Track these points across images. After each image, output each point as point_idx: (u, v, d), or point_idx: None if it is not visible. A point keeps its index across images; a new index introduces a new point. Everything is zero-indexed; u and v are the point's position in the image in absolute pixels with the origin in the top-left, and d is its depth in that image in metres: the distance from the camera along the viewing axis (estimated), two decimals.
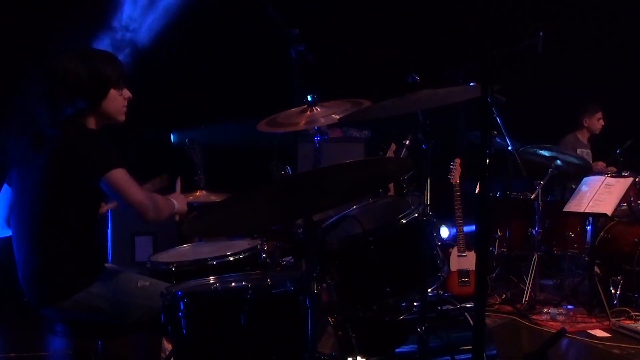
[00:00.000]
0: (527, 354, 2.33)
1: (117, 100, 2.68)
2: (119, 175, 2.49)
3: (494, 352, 2.74)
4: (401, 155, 3.08)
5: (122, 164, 2.53)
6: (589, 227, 5.07)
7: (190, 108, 6.12)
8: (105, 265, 2.73)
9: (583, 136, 6.36)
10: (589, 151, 6.31)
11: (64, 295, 2.55)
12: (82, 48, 2.70)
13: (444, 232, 5.63)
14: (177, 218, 2.83)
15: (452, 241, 5.19)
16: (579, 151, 6.09)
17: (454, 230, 5.11)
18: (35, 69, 2.69)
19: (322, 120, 3.16)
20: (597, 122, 6.33)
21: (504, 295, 5.24)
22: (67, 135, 2.55)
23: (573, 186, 5.40)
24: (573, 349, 4.18)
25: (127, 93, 2.71)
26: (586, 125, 6.34)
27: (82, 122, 2.61)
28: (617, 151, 5.61)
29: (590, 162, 5.88)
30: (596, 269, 4.92)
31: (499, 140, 5.14)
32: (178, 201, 2.80)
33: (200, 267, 2.90)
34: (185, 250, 3.27)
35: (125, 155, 2.64)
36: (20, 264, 2.64)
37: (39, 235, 2.56)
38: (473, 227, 5.05)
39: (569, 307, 5.01)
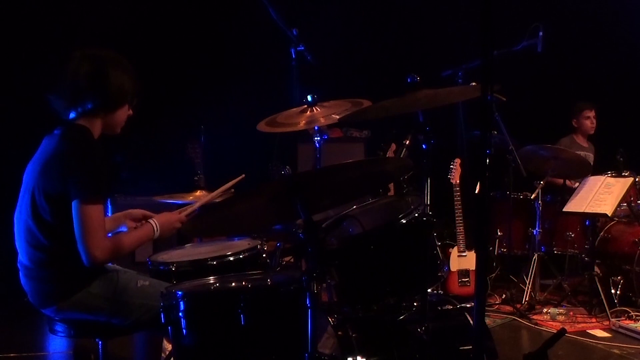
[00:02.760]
0: (527, 354, 2.32)
1: (124, 115, 2.69)
2: (91, 212, 2.43)
3: (494, 352, 2.74)
4: (401, 155, 3.07)
5: (103, 198, 2.49)
6: (589, 227, 5.07)
7: (189, 107, 6.13)
8: (105, 265, 2.73)
9: (580, 139, 6.20)
10: (590, 154, 6.18)
11: (64, 296, 2.55)
12: (107, 50, 2.67)
13: None
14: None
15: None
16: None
17: None
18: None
19: (322, 120, 3.17)
20: (585, 121, 6.11)
21: (504, 295, 5.24)
22: (68, 139, 2.55)
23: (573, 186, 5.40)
24: (573, 349, 4.18)
25: (130, 110, 2.71)
26: (576, 126, 6.17)
27: (87, 128, 2.59)
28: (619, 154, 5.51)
29: (591, 163, 5.83)
30: (596, 269, 4.93)
31: (499, 140, 5.14)
32: (163, 225, 2.70)
33: (200, 267, 2.90)
34: (185, 250, 3.27)
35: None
36: (20, 263, 2.65)
37: (38, 234, 2.55)
38: None
39: (569, 307, 5.01)
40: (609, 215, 4.74)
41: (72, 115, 2.61)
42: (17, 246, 2.66)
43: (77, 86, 2.57)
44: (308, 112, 3.22)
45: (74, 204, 2.44)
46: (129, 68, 2.67)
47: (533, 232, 5.29)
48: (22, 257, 2.64)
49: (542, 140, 5.36)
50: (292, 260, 3.97)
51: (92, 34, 5.41)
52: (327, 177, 2.32)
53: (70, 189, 2.46)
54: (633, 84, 6.44)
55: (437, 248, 2.83)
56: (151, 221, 2.71)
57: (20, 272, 2.66)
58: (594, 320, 4.74)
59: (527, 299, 5.06)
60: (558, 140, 6.17)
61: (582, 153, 6.04)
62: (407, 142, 3.10)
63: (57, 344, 4.21)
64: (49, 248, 2.55)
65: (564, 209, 5.01)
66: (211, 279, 2.62)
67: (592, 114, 6.13)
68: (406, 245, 2.69)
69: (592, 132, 6.19)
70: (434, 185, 2.60)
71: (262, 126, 3.24)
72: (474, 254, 3.70)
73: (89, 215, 2.44)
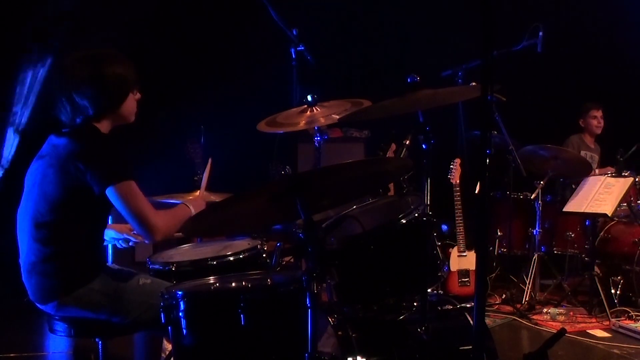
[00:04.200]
0: (527, 354, 2.32)
1: (132, 103, 2.69)
2: (127, 188, 2.48)
3: (494, 352, 2.74)
4: (401, 155, 3.07)
5: (133, 176, 2.52)
6: (589, 227, 5.07)
7: (189, 107, 6.12)
8: (108, 265, 2.74)
9: (587, 139, 6.18)
10: (595, 155, 6.15)
11: (66, 291, 2.56)
12: (95, 50, 2.68)
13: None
14: None
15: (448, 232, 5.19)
16: (582, 153, 6.01)
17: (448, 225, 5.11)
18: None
19: (322, 120, 3.16)
20: (592, 121, 6.09)
21: (504, 295, 5.24)
22: (80, 138, 2.56)
23: (573, 186, 5.40)
24: (573, 349, 4.19)
25: (138, 94, 2.72)
26: (583, 125, 6.15)
27: (96, 126, 2.61)
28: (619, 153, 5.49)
29: (593, 165, 5.81)
30: (596, 269, 4.93)
31: (499, 140, 5.14)
32: (196, 205, 2.76)
33: (200, 267, 2.90)
34: (185, 250, 3.27)
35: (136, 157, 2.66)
36: (22, 259, 2.65)
37: (42, 230, 2.57)
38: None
39: (569, 307, 5.01)
40: (609, 215, 4.74)
41: (78, 121, 2.61)
42: (19, 244, 2.67)
43: (74, 100, 2.57)
44: (308, 112, 3.21)
45: (108, 192, 2.47)
46: (120, 58, 2.66)
47: (533, 232, 5.29)
48: (25, 253, 2.64)
49: (542, 140, 5.35)
50: (292, 260, 3.97)
51: (92, 35, 5.41)
52: (327, 177, 2.32)
53: (95, 182, 2.48)
54: (633, 84, 6.43)
55: (437, 248, 2.83)
56: (181, 203, 2.77)
57: (21, 269, 2.66)
58: (594, 320, 4.74)
59: (527, 299, 5.06)
60: (568, 137, 6.14)
61: (587, 153, 6.03)
62: (407, 142, 3.10)
63: (57, 344, 4.21)
64: (56, 243, 2.56)
65: (564, 209, 5.01)
66: (211, 279, 2.62)
67: (599, 113, 6.11)
68: (406, 245, 2.69)
69: (599, 132, 6.16)
70: (434, 185, 2.60)
71: (262, 126, 3.23)
72: (474, 254, 3.70)
73: (128, 192, 2.48)
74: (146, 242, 2.65)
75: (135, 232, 2.68)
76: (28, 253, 2.62)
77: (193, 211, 2.72)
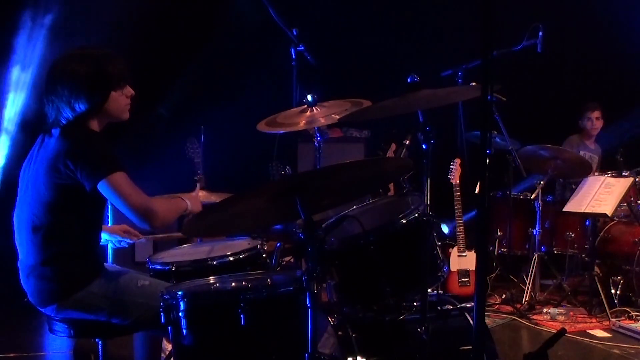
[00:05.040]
0: (527, 354, 2.32)
1: (119, 100, 2.63)
2: (118, 180, 2.46)
3: (494, 352, 2.74)
4: (401, 155, 3.07)
5: (123, 167, 2.50)
6: (589, 227, 5.07)
7: (189, 107, 6.13)
8: (105, 265, 2.74)
9: (586, 139, 6.12)
10: (595, 156, 6.10)
11: (65, 294, 2.55)
12: (82, 48, 2.66)
13: (444, 229, 5.63)
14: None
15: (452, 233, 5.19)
16: (581, 153, 5.99)
17: (453, 224, 5.11)
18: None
19: (322, 120, 3.17)
20: (588, 122, 6.02)
21: (504, 295, 5.24)
22: (68, 137, 2.55)
23: (573, 186, 5.40)
24: (573, 349, 4.19)
25: (129, 91, 2.65)
26: (581, 126, 6.08)
27: (84, 124, 2.59)
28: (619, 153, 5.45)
29: (592, 165, 5.79)
30: (596, 269, 4.93)
31: (499, 140, 5.14)
32: (191, 200, 2.76)
33: (200, 267, 2.90)
34: (185, 250, 3.27)
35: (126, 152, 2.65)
36: (21, 262, 2.65)
37: (39, 233, 2.56)
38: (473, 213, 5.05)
39: (569, 307, 5.01)
40: (609, 215, 4.75)
41: (63, 121, 2.59)
42: (17, 245, 2.67)
43: (53, 100, 2.57)
44: (308, 112, 3.22)
45: (100, 186, 2.45)
46: (112, 55, 2.62)
47: (533, 232, 5.29)
48: (23, 256, 2.64)
49: (542, 140, 5.35)
50: (292, 260, 3.97)
51: (92, 34, 5.42)
52: (327, 177, 2.32)
53: (85, 178, 2.46)
54: (634, 84, 6.42)
55: (437, 248, 2.83)
56: (179, 195, 2.76)
57: (20, 272, 2.65)
58: (594, 320, 4.74)
59: (527, 299, 5.06)
60: (567, 137, 6.11)
61: (587, 154, 6.00)
62: (407, 142, 3.10)
63: (57, 344, 4.21)
64: (54, 246, 2.55)
65: (564, 209, 5.01)
66: (211, 279, 2.62)
67: (594, 115, 6.03)
68: (406, 245, 2.69)
69: (595, 133, 6.09)
70: (434, 185, 2.60)
71: (262, 126, 3.23)
72: (474, 254, 3.70)
73: (120, 182, 2.46)
74: (146, 228, 2.57)
75: (133, 222, 2.59)
76: (27, 256, 2.62)
77: (189, 204, 2.72)
